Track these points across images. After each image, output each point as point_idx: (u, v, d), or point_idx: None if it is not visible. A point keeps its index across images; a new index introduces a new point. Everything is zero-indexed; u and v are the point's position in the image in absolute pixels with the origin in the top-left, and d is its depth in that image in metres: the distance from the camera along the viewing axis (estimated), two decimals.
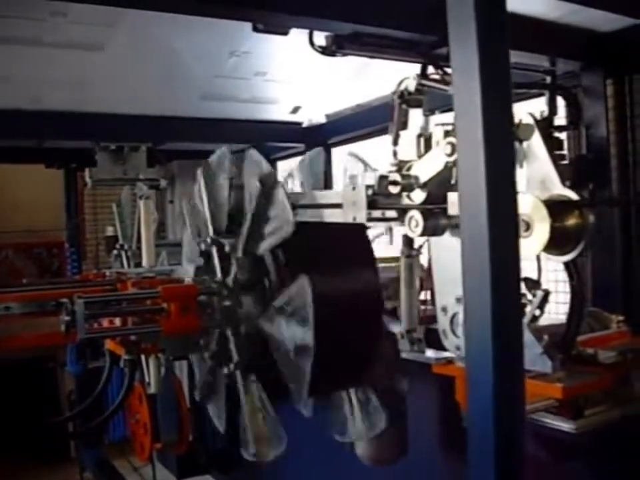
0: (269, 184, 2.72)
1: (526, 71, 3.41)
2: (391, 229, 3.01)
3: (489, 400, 1.59)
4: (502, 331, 1.60)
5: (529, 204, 2.14)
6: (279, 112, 5.53)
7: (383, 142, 2.77)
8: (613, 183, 3.46)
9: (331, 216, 2.70)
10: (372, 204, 2.44)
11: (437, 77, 2.84)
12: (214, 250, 3.05)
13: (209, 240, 3.05)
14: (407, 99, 2.76)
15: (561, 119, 3.48)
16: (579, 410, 2.43)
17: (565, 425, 2.42)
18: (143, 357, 3.82)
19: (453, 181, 2.29)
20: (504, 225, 1.62)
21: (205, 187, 3.08)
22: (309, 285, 2.52)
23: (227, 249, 2.98)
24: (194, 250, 3.23)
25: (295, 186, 3.21)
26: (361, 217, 2.47)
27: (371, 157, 3.15)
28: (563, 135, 3.43)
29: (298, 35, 3.00)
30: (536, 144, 2.27)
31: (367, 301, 2.93)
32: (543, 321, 2.42)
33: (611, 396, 2.48)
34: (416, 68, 2.94)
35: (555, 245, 2.15)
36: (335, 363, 2.77)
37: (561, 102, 3.45)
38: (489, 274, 1.57)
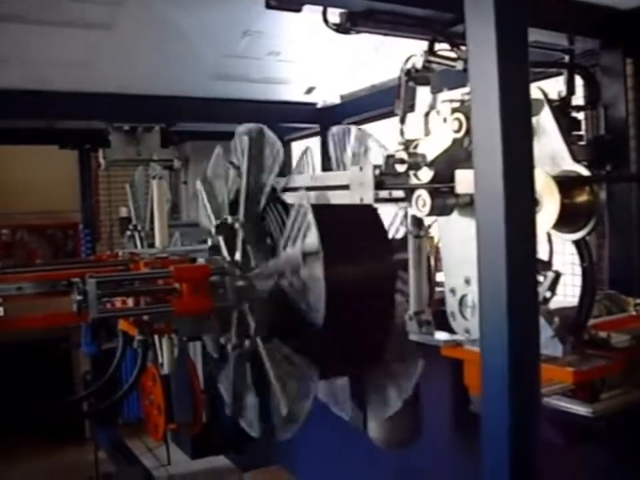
0: (256, 133, 2.74)
1: (544, 49, 3.35)
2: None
3: (504, 383, 1.56)
4: (517, 313, 1.57)
5: (538, 179, 2.08)
6: (292, 92, 5.49)
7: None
8: (631, 164, 3.40)
9: (338, 197, 2.67)
10: (379, 184, 2.41)
11: (444, 53, 2.78)
12: (221, 239, 3.08)
13: (213, 231, 3.10)
14: (414, 76, 2.71)
15: (579, 99, 3.42)
16: (596, 393, 2.39)
17: (582, 409, 2.38)
18: (156, 338, 3.82)
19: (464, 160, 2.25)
20: (520, 204, 1.58)
21: (207, 197, 3.20)
22: (307, 206, 2.55)
23: (229, 220, 3.00)
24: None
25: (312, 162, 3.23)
26: (369, 198, 2.44)
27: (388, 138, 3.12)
28: (580, 115, 3.38)
29: (312, 14, 2.96)
30: (546, 119, 2.21)
31: (380, 284, 2.93)
32: (556, 304, 2.37)
33: (629, 379, 2.44)
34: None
35: (565, 222, 2.10)
36: (347, 342, 2.78)
37: (579, 81, 3.39)
38: (504, 253, 1.54)
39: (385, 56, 4.25)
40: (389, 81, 4.82)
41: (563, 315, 2.23)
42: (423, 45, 2.88)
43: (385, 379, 3.02)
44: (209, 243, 3.25)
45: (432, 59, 2.73)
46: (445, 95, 2.47)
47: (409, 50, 2.85)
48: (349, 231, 2.90)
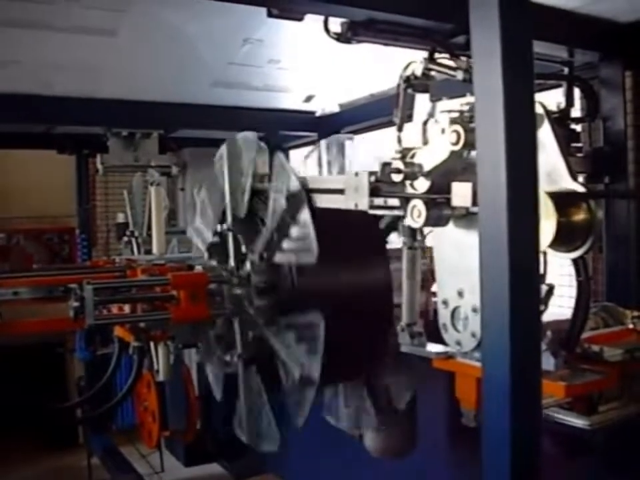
0: (296, 203, 2.69)
1: (543, 61, 3.35)
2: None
3: (505, 395, 1.56)
4: (519, 325, 1.56)
5: None
6: (292, 100, 5.49)
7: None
8: (629, 177, 3.40)
9: (332, 202, 2.66)
10: (374, 191, 2.39)
11: (444, 62, 2.78)
12: (230, 237, 3.05)
13: (225, 226, 3.05)
14: (413, 84, 2.70)
15: (577, 111, 3.43)
16: (593, 406, 2.38)
17: (579, 421, 2.38)
18: (152, 345, 3.81)
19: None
20: (523, 215, 1.58)
21: (228, 164, 3.08)
22: (322, 323, 2.52)
23: (243, 249, 2.98)
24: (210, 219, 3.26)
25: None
26: (363, 204, 2.42)
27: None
28: (579, 127, 3.38)
29: (312, 22, 2.96)
30: (545, 134, 2.20)
31: (376, 299, 2.91)
32: (549, 316, 2.36)
33: (626, 392, 2.43)
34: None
35: (562, 240, 2.09)
36: (341, 358, 2.77)
37: (578, 93, 3.40)
38: (507, 267, 1.54)
39: (384, 65, 4.26)
40: (388, 89, 4.83)
41: (556, 328, 2.22)
42: (423, 54, 2.89)
43: (380, 390, 3.02)
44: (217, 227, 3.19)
45: (432, 66, 2.71)
46: (444, 104, 2.46)
47: (411, 59, 2.85)
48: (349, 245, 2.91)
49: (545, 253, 2.23)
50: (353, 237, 2.91)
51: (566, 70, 3.44)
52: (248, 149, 3.00)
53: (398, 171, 2.34)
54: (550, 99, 3.35)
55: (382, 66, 4.27)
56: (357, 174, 2.46)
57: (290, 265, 2.78)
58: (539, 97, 2.74)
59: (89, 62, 4.34)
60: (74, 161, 6.92)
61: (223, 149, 3.08)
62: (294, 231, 2.71)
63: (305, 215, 2.65)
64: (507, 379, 1.56)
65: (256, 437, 2.93)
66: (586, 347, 2.35)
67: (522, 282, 1.58)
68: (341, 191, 2.56)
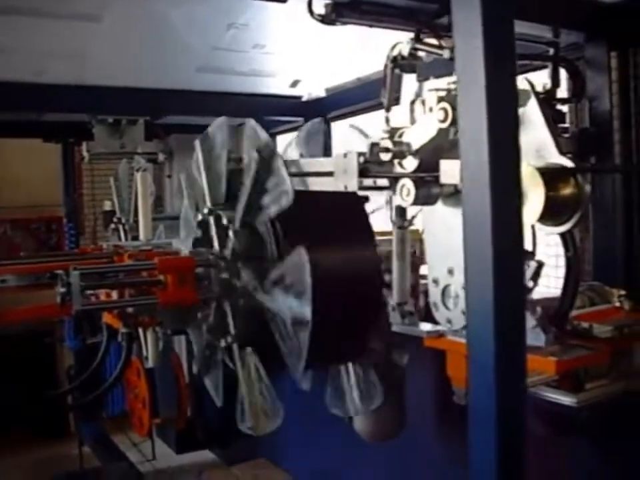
0: (266, 154, 2.68)
1: (529, 42, 3.35)
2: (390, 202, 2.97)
3: (490, 373, 1.56)
4: (504, 303, 1.57)
5: (523, 172, 2.08)
6: (278, 85, 5.47)
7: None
8: (615, 157, 3.41)
9: (321, 184, 2.65)
10: (363, 172, 2.38)
11: (431, 41, 2.76)
12: (211, 220, 3.02)
13: (206, 210, 3.02)
14: (400, 64, 2.70)
15: (563, 91, 3.43)
16: (580, 383, 2.40)
17: (566, 399, 2.40)
18: (141, 331, 3.81)
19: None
20: (506, 194, 1.58)
21: (203, 158, 3.04)
22: (306, 258, 2.48)
23: (224, 220, 2.95)
24: (191, 221, 3.22)
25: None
26: (352, 185, 2.41)
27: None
28: (565, 108, 3.38)
29: (297, 5, 2.95)
30: (532, 110, 2.20)
31: (365, 275, 2.91)
32: (539, 294, 2.37)
33: (613, 370, 2.45)
34: None
35: (550, 215, 2.09)
36: (332, 336, 2.76)
37: (564, 74, 3.40)
38: (490, 245, 1.54)
39: (371, 49, 4.24)
40: (374, 73, 4.82)
41: (546, 305, 2.23)
42: (409, 35, 2.88)
43: (369, 371, 3.03)
44: (199, 217, 3.14)
45: (418, 46, 2.70)
46: (431, 83, 2.45)
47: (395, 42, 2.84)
48: (333, 216, 2.89)
49: (533, 229, 2.24)
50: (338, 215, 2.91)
51: (551, 51, 3.44)
52: (219, 136, 2.98)
53: (386, 150, 2.34)
54: (536, 79, 3.36)
55: (368, 50, 4.26)
56: (345, 155, 2.45)
57: (273, 230, 2.76)
58: (527, 76, 2.75)
59: (74, 49, 4.31)
60: (60, 150, 6.89)
61: (198, 147, 3.04)
62: (270, 183, 2.70)
63: (277, 163, 2.64)
64: (492, 356, 1.56)
65: (261, 419, 2.90)
66: (575, 324, 2.36)
67: (506, 259, 1.58)
68: (329, 174, 2.55)
